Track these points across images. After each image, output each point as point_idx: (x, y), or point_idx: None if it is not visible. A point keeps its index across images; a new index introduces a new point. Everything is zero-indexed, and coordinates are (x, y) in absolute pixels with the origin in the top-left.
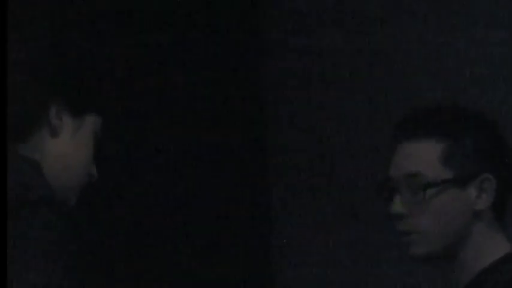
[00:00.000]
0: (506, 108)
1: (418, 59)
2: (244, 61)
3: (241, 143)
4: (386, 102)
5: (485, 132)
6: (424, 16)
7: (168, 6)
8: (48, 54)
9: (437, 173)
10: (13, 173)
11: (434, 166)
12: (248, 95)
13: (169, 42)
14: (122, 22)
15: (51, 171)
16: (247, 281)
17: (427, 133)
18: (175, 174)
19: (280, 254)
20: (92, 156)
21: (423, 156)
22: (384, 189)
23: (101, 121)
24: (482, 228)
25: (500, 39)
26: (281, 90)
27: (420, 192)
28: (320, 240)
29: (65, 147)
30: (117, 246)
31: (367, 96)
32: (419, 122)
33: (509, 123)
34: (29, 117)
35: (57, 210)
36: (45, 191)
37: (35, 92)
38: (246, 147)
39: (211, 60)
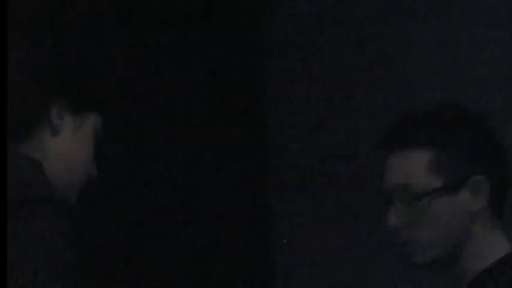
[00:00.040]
0: (506, 108)
1: (418, 59)
2: (245, 61)
3: (241, 143)
4: (386, 102)
5: (476, 134)
6: (424, 16)
7: (168, 6)
8: (48, 54)
9: (427, 182)
10: (13, 172)
11: (423, 176)
12: (248, 94)
13: (169, 42)
14: (122, 22)
15: (52, 169)
16: (247, 281)
17: (416, 142)
18: (175, 174)
19: (280, 254)
20: (93, 155)
21: (412, 166)
22: (377, 203)
23: (101, 120)
24: (481, 229)
25: (500, 39)
26: (281, 90)
27: (413, 203)
28: (320, 240)
29: (65, 146)
30: (117, 245)
31: (367, 96)
32: (408, 131)
33: (509, 123)
34: (30, 117)
35: (58, 209)
36: (45, 189)
37: (36, 91)
38: (246, 147)
39: (212, 60)
